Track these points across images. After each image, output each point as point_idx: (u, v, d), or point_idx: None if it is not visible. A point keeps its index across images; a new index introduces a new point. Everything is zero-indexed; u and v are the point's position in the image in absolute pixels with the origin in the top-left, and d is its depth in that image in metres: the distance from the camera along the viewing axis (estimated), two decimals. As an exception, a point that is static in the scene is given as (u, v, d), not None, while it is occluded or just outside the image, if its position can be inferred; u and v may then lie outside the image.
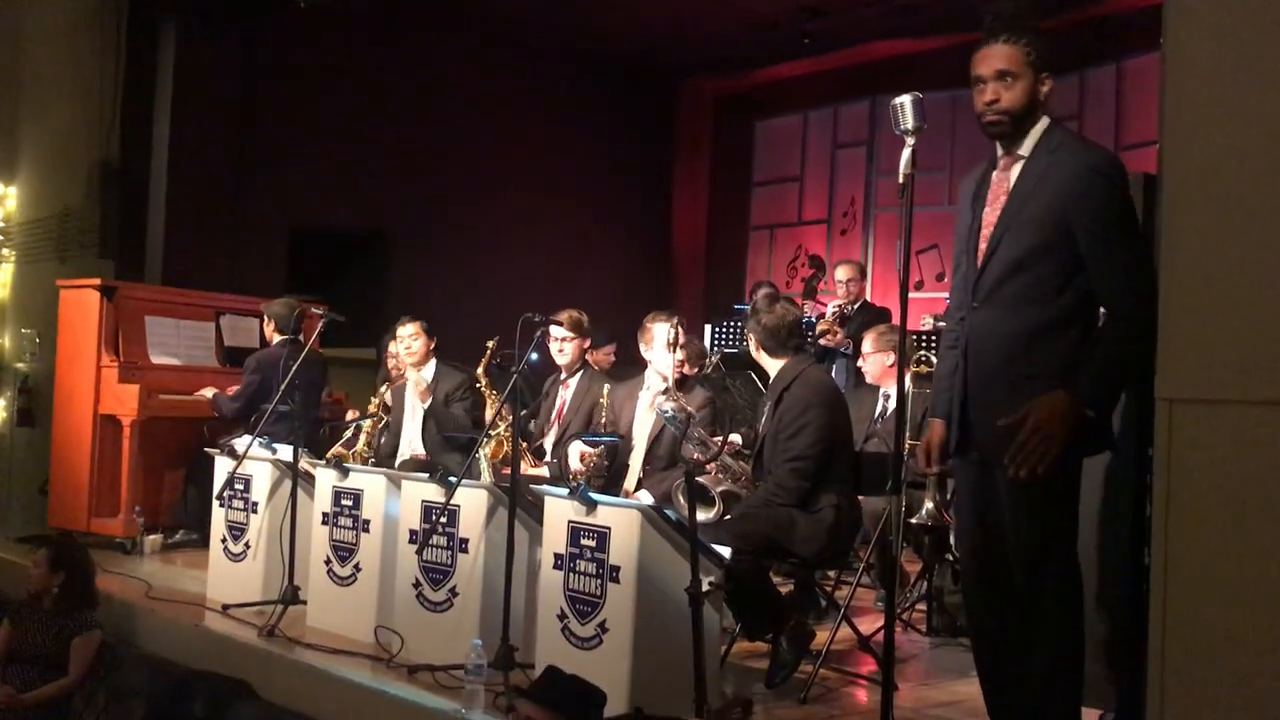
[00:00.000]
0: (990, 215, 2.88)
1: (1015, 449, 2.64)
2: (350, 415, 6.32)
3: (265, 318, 6.52)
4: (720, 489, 4.17)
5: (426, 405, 5.71)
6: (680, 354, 4.93)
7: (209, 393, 6.44)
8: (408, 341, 5.77)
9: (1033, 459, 2.62)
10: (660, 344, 4.86)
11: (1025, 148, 2.84)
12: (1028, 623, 2.84)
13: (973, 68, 2.86)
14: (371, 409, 6.10)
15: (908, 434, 4.40)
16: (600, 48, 9.60)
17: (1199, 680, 2.27)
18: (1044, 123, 2.84)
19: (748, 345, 4.39)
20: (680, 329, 4.84)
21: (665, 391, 4.73)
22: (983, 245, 2.87)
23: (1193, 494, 2.27)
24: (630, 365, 5.85)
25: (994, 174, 2.92)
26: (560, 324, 5.20)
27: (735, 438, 4.57)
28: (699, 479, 4.07)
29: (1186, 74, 2.35)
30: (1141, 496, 3.11)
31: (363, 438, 5.87)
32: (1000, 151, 2.91)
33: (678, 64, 10.21)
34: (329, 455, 5.59)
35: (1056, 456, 2.61)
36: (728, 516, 4.12)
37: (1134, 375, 2.73)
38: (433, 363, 5.83)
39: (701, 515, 3.98)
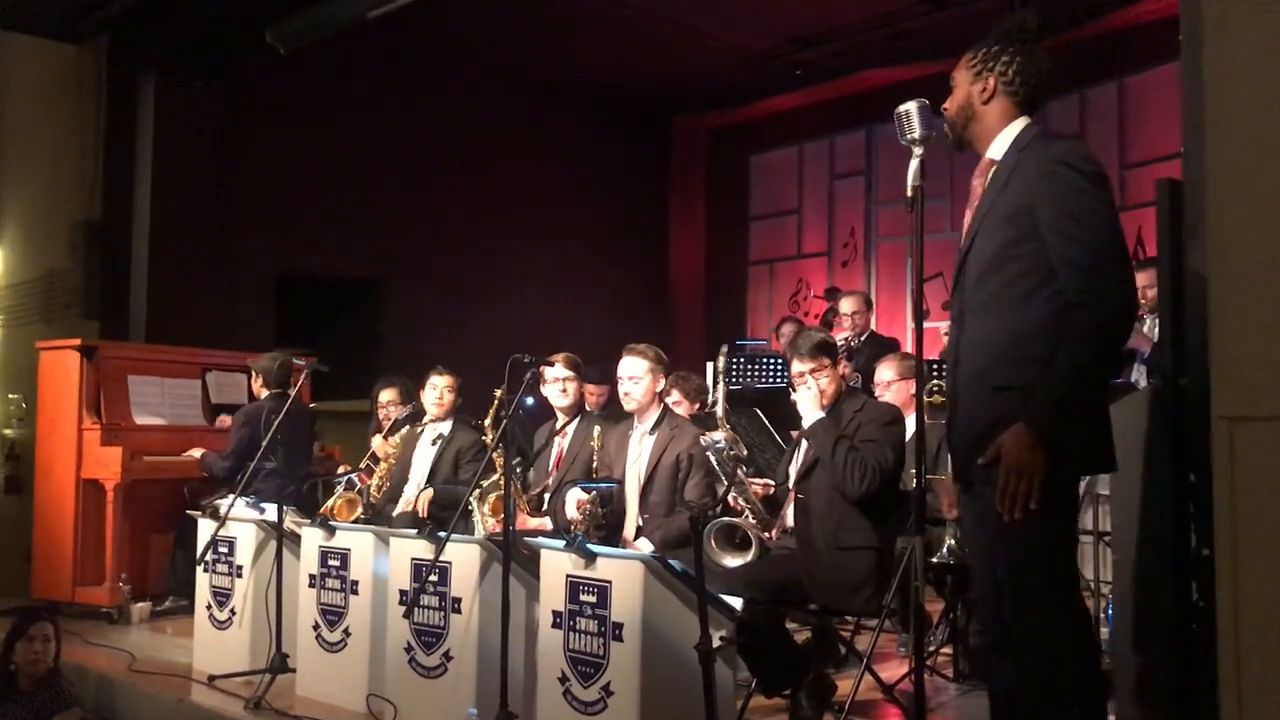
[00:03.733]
0: (967, 219, 2.74)
1: (999, 496, 2.46)
2: (341, 470, 6.09)
3: (252, 373, 6.34)
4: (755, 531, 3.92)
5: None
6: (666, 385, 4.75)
7: (198, 453, 6.23)
8: (441, 391, 5.68)
9: (1020, 500, 2.42)
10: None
11: (997, 150, 2.70)
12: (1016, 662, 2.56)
13: None
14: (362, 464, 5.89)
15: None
16: (591, 85, 9.49)
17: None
18: (1020, 123, 2.69)
19: (820, 377, 4.02)
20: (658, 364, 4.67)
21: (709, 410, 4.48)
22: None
23: (1262, 521, 2.01)
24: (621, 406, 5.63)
25: (973, 181, 2.78)
26: (553, 364, 4.98)
27: (766, 480, 4.31)
28: (734, 520, 3.91)
29: (1226, 72, 2.12)
30: (1184, 526, 2.85)
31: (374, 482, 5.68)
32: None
33: (669, 100, 10.10)
34: (321, 512, 5.35)
35: (1040, 488, 2.41)
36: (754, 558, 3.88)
37: (1098, 388, 2.50)
38: (451, 420, 5.70)
39: (736, 560, 3.77)
